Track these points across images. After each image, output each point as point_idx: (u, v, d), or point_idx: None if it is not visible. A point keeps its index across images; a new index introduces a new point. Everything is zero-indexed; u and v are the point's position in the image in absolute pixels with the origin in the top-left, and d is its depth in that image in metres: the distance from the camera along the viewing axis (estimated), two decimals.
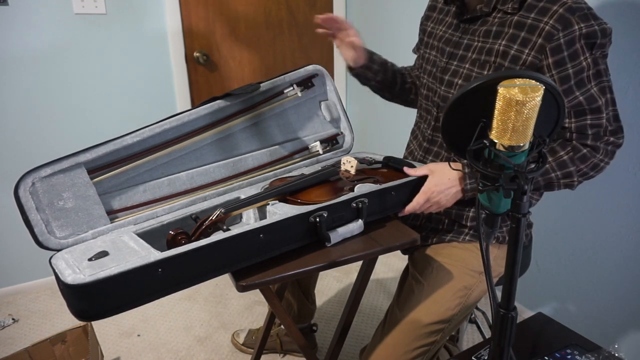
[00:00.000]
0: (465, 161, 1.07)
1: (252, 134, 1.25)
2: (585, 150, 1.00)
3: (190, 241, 0.91)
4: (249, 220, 1.08)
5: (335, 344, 1.20)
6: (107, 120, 2.13)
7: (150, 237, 0.97)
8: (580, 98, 0.97)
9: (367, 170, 1.22)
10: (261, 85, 1.20)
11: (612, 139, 1.00)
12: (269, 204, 1.03)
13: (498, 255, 1.16)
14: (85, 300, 0.77)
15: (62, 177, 0.96)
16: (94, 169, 1.01)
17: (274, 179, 1.21)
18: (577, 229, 1.62)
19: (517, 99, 0.58)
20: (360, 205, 1.02)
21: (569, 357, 0.91)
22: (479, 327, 1.57)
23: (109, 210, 1.02)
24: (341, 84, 2.68)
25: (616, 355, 0.89)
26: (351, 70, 1.32)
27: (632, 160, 1.40)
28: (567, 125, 1.01)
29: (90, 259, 0.84)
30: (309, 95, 1.33)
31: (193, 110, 1.11)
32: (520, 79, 0.61)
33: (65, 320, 1.96)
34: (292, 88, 1.28)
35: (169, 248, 0.87)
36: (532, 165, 0.66)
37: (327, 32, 1.22)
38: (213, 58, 2.33)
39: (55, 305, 2.07)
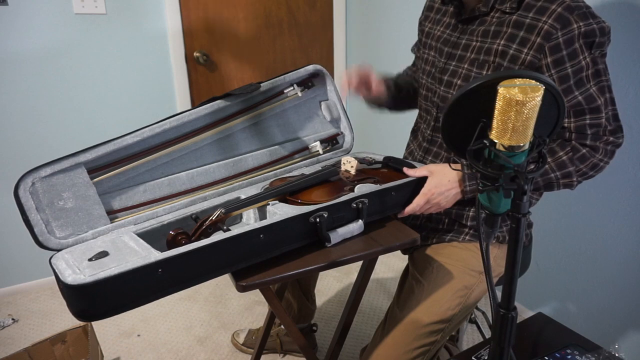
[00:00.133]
0: (464, 162, 1.07)
1: (252, 134, 1.25)
2: (584, 150, 1.00)
3: (190, 241, 0.91)
4: (249, 220, 1.08)
5: (335, 344, 1.20)
6: (107, 120, 2.13)
7: (150, 237, 0.97)
8: (580, 98, 0.97)
9: (367, 170, 1.22)
10: (261, 85, 1.20)
11: (611, 138, 1.00)
12: (269, 204, 1.03)
13: (498, 255, 1.16)
14: (85, 300, 0.77)
15: (62, 177, 0.96)
16: (94, 169, 1.01)
17: (274, 179, 1.21)
18: (577, 229, 1.62)
19: (517, 99, 0.58)
20: (360, 206, 1.02)
21: (569, 357, 0.91)
22: (479, 327, 1.57)
23: (109, 210, 1.02)
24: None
25: (616, 355, 0.89)
26: (378, 106, 1.31)
27: (632, 160, 1.40)
28: (566, 125, 1.01)
29: (90, 259, 0.84)
30: (309, 95, 1.33)
31: (193, 110, 1.11)
32: (520, 79, 0.61)
33: (65, 320, 1.96)
34: (292, 88, 1.28)
35: (169, 248, 0.87)
36: (532, 166, 0.66)
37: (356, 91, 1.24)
38: (213, 58, 2.33)
39: (55, 305, 2.07)
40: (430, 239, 1.21)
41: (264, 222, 0.91)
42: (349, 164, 1.19)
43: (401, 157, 1.29)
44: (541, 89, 0.59)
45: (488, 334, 1.56)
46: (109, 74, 2.09)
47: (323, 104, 1.35)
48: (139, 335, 1.87)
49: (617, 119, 1.01)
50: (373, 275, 1.19)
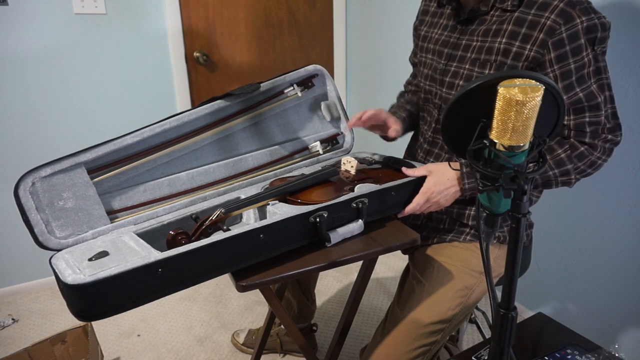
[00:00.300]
0: (463, 160, 1.07)
1: (252, 134, 1.25)
2: (582, 148, 1.00)
3: (190, 241, 0.91)
4: (249, 220, 1.08)
5: (335, 344, 1.20)
6: (107, 120, 2.13)
7: (150, 237, 0.97)
8: (581, 95, 0.98)
9: (367, 170, 1.22)
10: (261, 85, 1.20)
11: (610, 136, 1.00)
12: (269, 204, 1.03)
13: (499, 255, 1.16)
14: (85, 300, 0.77)
15: (62, 177, 0.96)
16: (94, 169, 1.01)
17: (274, 179, 1.21)
18: (577, 229, 1.62)
19: (517, 99, 0.58)
20: (360, 205, 1.02)
21: (569, 357, 0.91)
22: (479, 327, 1.57)
23: (109, 210, 1.02)
24: (341, 84, 2.68)
25: (616, 355, 0.89)
26: (393, 139, 1.30)
27: (632, 161, 1.40)
28: (565, 122, 1.01)
29: (90, 259, 0.84)
30: (309, 95, 1.33)
31: (193, 110, 1.11)
32: (520, 79, 0.61)
33: (65, 320, 1.96)
34: (292, 88, 1.28)
35: (169, 248, 0.87)
36: (532, 165, 0.66)
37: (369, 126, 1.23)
38: (213, 58, 2.33)
39: (55, 305, 2.07)
40: (431, 238, 1.21)
41: (264, 222, 0.91)
42: (349, 164, 1.19)
43: (401, 157, 1.29)
44: (541, 89, 0.59)
45: (488, 334, 1.56)
46: (109, 74, 2.09)
47: (323, 104, 1.35)
48: (139, 335, 1.87)
49: (616, 117, 1.01)
50: (373, 275, 1.19)
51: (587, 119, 0.99)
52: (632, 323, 1.51)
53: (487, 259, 0.69)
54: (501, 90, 0.59)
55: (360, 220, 1.04)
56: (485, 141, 0.64)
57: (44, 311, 2.04)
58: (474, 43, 1.07)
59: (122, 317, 1.96)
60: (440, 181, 1.07)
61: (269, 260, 0.94)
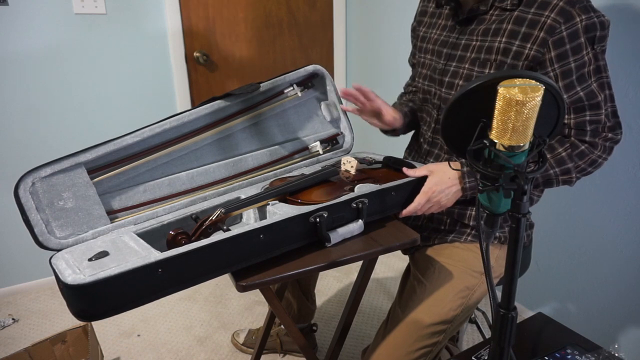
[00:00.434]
0: (464, 160, 1.07)
1: (252, 134, 1.25)
2: (583, 147, 1.00)
3: (190, 241, 0.91)
4: (249, 220, 1.08)
5: (335, 344, 1.20)
6: (107, 120, 2.13)
7: (150, 237, 0.97)
8: (581, 93, 0.98)
9: (367, 170, 1.22)
10: (261, 85, 1.20)
11: (610, 135, 1.00)
12: (269, 204, 1.03)
13: (499, 255, 1.16)
14: (85, 300, 0.77)
15: (62, 177, 0.96)
16: (94, 169, 1.01)
17: (274, 179, 1.21)
18: (577, 229, 1.62)
19: (517, 99, 0.58)
20: (360, 206, 1.02)
21: (569, 357, 0.91)
22: (479, 327, 1.57)
23: (109, 210, 1.02)
24: (341, 84, 2.68)
25: (616, 355, 0.89)
26: (393, 132, 1.29)
27: (632, 161, 1.40)
28: (566, 121, 1.01)
29: (90, 259, 0.84)
30: (309, 95, 1.33)
31: (193, 110, 1.11)
32: (520, 79, 0.61)
33: (65, 320, 1.96)
34: (292, 88, 1.28)
35: (169, 248, 0.87)
36: (532, 165, 0.66)
37: (354, 108, 1.22)
38: (213, 58, 2.33)
39: (55, 305, 2.07)
40: (432, 239, 1.21)
41: (264, 222, 0.91)
42: (349, 164, 1.19)
43: (401, 157, 1.28)
44: (541, 89, 0.59)
45: (488, 334, 1.56)
46: (109, 74, 2.09)
47: (323, 104, 1.35)
48: (139, 335, 1.87)
49: (616, 116, 1.01)
50: (373, 275, 1.19)
51: (588, 118, 0.99)
52: (632, 323, 1.51)
53: (487, 259, 0.69)
54: (501, 90, 0.59)
55: (360, 220, 1.04)
56: (485, 141, 0.64)
57: (44, 311, 2.04)
58: (474, 42, 1.07)
59: (122, 317, 1.96)
60: (441, 181, 1.07)
61: (269, 260, 0.94)
